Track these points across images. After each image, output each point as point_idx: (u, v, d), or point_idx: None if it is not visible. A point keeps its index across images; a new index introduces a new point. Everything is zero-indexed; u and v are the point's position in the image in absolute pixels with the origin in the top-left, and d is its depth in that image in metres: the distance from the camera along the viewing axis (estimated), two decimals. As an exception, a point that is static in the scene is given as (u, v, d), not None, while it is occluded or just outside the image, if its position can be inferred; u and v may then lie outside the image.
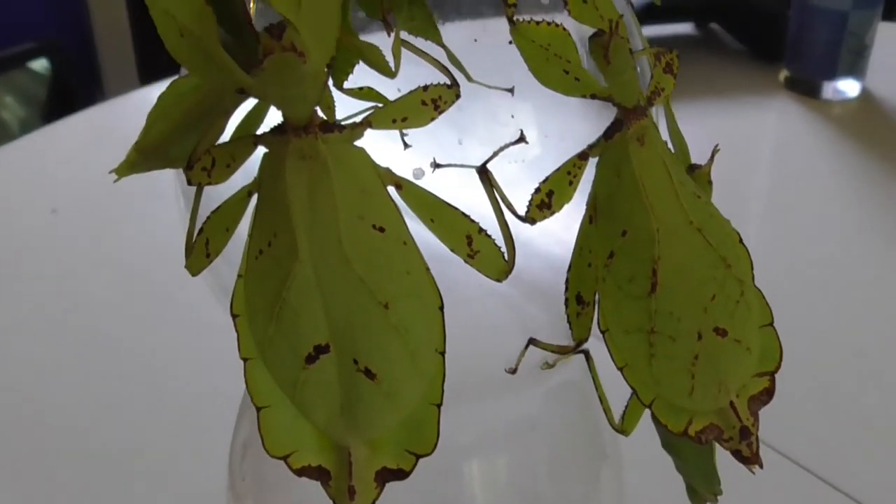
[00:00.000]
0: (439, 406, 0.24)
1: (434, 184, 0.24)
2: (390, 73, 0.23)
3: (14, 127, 1.35)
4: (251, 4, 0.27)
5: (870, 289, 0.61)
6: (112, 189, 0.71)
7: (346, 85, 0.24)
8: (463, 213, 0.24)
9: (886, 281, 0.62)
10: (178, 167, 0.25)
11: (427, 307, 0.23)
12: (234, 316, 0.24)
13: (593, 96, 0.24)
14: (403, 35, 0.24)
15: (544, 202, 0.24)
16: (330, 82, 0.23)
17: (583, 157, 0.25)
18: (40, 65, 1.40)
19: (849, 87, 0.81)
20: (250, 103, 0.24)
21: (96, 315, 0.61)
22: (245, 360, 0.24)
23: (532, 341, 0.27)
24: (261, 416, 0.23)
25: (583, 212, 0.26)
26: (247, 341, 0.24)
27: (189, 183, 0.24)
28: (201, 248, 0.25)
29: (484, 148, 0.24)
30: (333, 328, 0.23)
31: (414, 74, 0.23)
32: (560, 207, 0.25)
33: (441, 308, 0.23)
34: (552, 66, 0.23)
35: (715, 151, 0.29)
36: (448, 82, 0.23)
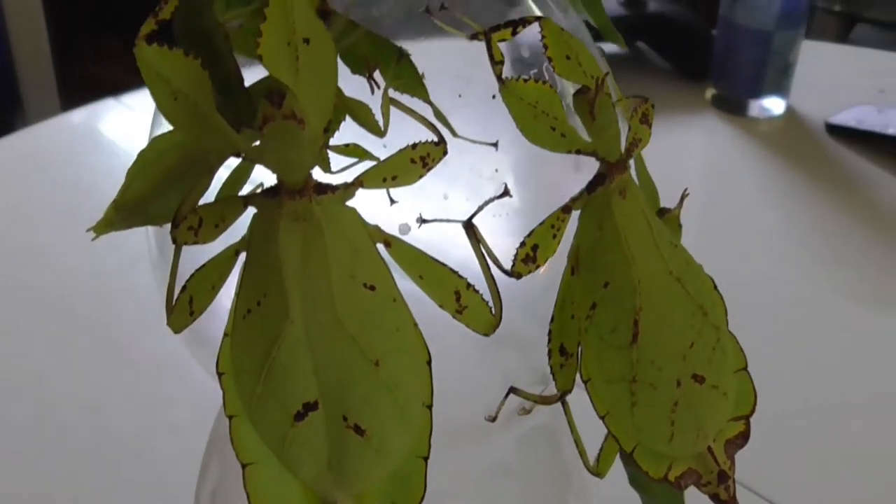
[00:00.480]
0: (426, 459, 0.24)
1: (420, 236, 0.24)
2: (379, 133, 0.23)
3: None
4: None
5: (798, 304, 0.62)
6: (38, 214, 0.70)
7: (332, 141, 0.24)
8: (451, 269, 0.24)
9: (814, 296, 0.63)
10: (158, 224, 0.25)
11: (415, 362, 0.24)
12: (219, 374, 0.24)
13: (578, 151, 0.24)
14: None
15: (529, 256, 0.25)
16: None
17: (566, 210, 0.25)
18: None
19: (774, 105, 0.83)
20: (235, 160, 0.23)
21: (9, 342, 0.59)
22: (230, 417, 0.24)
23: (513, 390, 0.27)
24: (246, 473, 0.23)
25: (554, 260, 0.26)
26: (232, 399, 0.24)
27: (174, 242, 0.23)
28: (184, 306, 0.24)
29: (469, 203, 0.25)
30: (323, 385, 0.23)
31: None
32: (545, 261, 0.25)
33: (429, 362, 0.24)
34: (540, 123, 0.24)
35: (684, 196, 0.29)
36: (435, 139, 0.23)
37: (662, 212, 0.28)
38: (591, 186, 0.25)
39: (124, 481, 0.48)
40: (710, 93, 0.85)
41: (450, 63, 0.26)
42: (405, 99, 0.24)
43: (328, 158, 0.22)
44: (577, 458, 0.29)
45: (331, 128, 0.23)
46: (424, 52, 0.25)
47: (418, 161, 0.23)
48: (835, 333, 0.60)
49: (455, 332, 0.25)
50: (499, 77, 0.23)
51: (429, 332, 0.24)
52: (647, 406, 0.26)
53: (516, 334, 0.29)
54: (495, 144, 0.25)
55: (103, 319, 0.60)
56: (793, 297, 0.63)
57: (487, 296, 0.24)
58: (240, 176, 0.24)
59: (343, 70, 0.23)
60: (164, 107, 0.21)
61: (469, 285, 0.24)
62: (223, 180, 0.25)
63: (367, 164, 0.23)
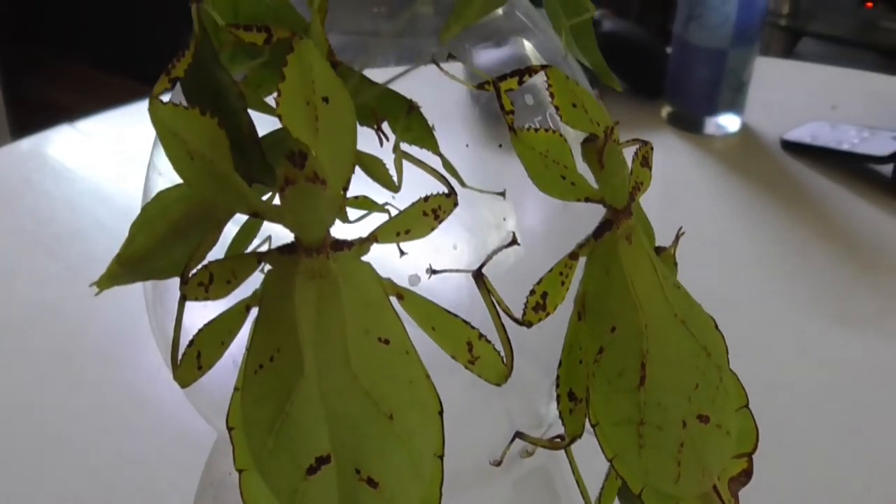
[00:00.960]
0: (436, 508, 0.24)
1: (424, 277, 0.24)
2: (394, 188, 0.23)
3: None
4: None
5: (756, 319, 0.63)
6: None
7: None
8: (463, 321, 0.24)
9: (772, 310, 0.64)
10: (162, 279, 0.25)
11: (428, 413, 0.24)
12: (229, 428, 0.24)
13: (587, 199, 0.25)
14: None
15: (539, 304, 0.25)
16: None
17: (573, 256, 0.25)
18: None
19: (729, 122, 0.84)
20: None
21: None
22: (241, 471, 0.24)
23: (519, 435, 0.27)
24: (258, 527, 0.23)
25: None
26: (243, 453, 0.24)
27: (184, 298, 0.23)
28: (192, 361, 0.24)
29: (478, 252, 0.25)
30: (335, 439, 0.23)
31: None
32: (554, 308, 0.25)
33: (441, 413, 0.24)
34: (550, 172, 0.24)
35: (679, 234, 0.30)
36: (446, 191, 0.23)
37: (658, 250, 0.29)
38: (598, 233, 0.25)
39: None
40: (665, 111, 0.85)
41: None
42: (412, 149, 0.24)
43: (346, 211, 0.22)
44: (574, 500, 0.29)
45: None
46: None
47: (430, 213, 0.23)
48: (793, 347, 0.60)
49: (453, 376, 0.25)
50: (511, 127, 0.23)
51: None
52: (654, 448, 0.26)
53: (513, 378, 0.29)
54: (503, 194, 0.25)
55: (64, 349, 0.60)
56: (750, 312, 0.63)
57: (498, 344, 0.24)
58: (250, 231, 0.24)
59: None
60: (180, 166, 0.21)
61: (481, 336, 0.24)
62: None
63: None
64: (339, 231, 0.22)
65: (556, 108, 0.24)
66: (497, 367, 0.24)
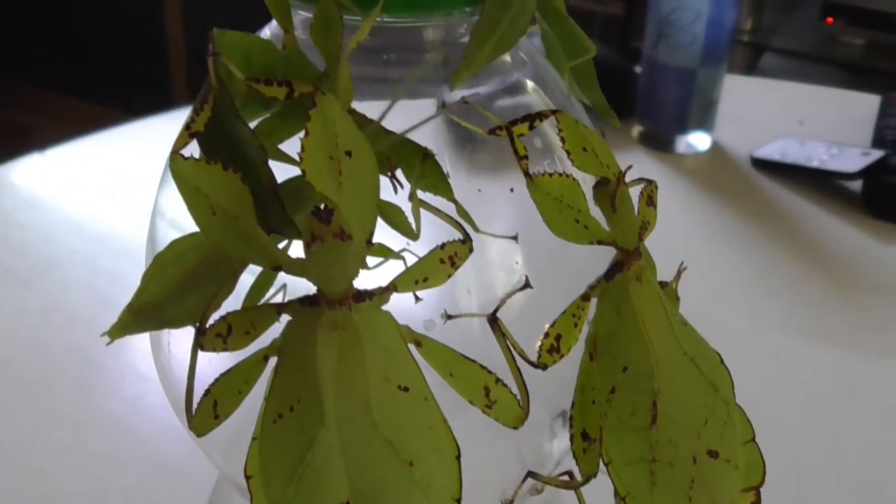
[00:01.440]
0: (454, 552, 0.24)
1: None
2: (413, 236, 0.23)
3: None
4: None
5: (728, 337, 0.63)
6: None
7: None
8: (480, 366, 0.24)
9: (745, 328, 0.64)
10: (175, 328, 0.25)
11: (446, 459, 0.24)
12: (247, 477, 0.24)
13: (600, 242, 0.25)
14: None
15: (553, 346, 0.25)
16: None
17: (585, 298, 0.25)
18: None
19: (699, 141, 0.84)
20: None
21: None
22: (258, 520, 0.23)
23: (532, 475, 0.27)
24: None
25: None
26: (260, 501, 0.23)
27: (200, 349, 0.23)
28: (208, 410, 0.24)
29: (492, 295, 0.25)
30: (355, 487, 0.23)
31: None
32: (568, 350, 0.25)
33: (458, 457, 0.24)
34: (564, 216, 0.24)
35: (681, 270, 0.30)
36: (462, 238, 0.23)
37: (661, 285, 0.29)
38: (610, 274, 0.25)
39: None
40: (636, 130, 0.86)
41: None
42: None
43: (366, 261, 0.22)
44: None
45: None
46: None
47: (447, 260, 0.23)
48: (765, 364, 0.61)
49: (461, 416, 0.25)
50: (525, 172, 0.23)
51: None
52: (665, 485, 0.26)
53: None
54: (515, 237, 0.26)
55: (43, 381, 0.59)
56: (723, 330, 0.63)
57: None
58: (266, 281, 0.24)
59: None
60: (203, 222, 0.21)
61: (498, 380, 0.24)
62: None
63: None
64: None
65: (568, 152, 0.24)
66: (514, 410, 0.24)
